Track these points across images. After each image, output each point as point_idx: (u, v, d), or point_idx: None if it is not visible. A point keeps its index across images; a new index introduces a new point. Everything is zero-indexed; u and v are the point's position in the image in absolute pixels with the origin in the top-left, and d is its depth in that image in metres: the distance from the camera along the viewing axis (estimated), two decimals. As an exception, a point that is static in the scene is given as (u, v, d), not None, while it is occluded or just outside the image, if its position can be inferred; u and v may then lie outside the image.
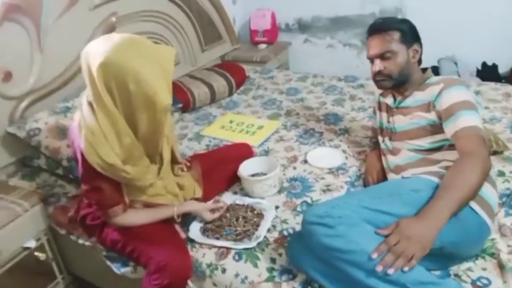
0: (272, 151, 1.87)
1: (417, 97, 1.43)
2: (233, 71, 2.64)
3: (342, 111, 2.21)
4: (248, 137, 2.00)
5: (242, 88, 2.68)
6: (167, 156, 1.41)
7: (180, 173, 1.57)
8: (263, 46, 3.36)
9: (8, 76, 1.75)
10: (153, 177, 1.36)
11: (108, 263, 1.46)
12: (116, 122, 1.20)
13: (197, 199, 1.54)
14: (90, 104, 1.21)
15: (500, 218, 1.31)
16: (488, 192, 1.21)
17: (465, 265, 1.17)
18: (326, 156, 1.76)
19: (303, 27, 3.49)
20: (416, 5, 3.01)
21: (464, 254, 1.18)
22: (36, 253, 1.61)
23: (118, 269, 1.43)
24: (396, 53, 1.41)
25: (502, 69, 2.86)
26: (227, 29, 3.16)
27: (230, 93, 2.55)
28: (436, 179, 1.21)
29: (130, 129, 1.22)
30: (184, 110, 2.31)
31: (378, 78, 1.45)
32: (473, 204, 1.15)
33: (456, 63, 2.85)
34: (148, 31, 2.42)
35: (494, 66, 2.83)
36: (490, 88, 2.30)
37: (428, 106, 1.38)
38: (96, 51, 1.13)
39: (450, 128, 1.29)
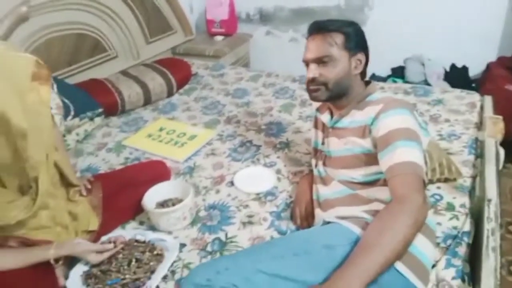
0: (198, 169, 1.61)
1: (355, 117, 1.19)
2: (176, 68, 2.36)
3: (288, 119, 1.96)
4: (175, 149, 1.75)
5: (186, 87, 2.41)
6: (44, 185, 1.15)
7: (77, 198, 1.32)
8: (220, 38, 3.07)
9: None
10: (23, 213, 1.10)
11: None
12: None
13: (91, 232, 1.29)
14: None
15: (439, 270, 1.08)
16: (422, 247, 0.98)
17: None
18: (257, 177, 1.52)
19: (264, 17, 3.20)
20: (385, -2, 2.76)
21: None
22: None
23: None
24: (336, 59, 1.17)
25: (472, 72, 2.63)
26: (178, 18, 2.86)
27: (170, 94, 2.28)
28: (358, 230, 0.98)
29: None
30: (111, 113, 2.03)
31: (312, 86, 1.21)
32: (399, 265, 0.92)
33: (423, 64, 2.61)
34: (72, 21, 2.11)
35: (464, 69, 2.61)
36: (454, 96, 2.07)
37: (364, 131, 1.14)
38: None
39: (385, 161, 1.05)
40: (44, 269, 1.14)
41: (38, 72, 1.03)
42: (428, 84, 2.51)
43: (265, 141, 1.78)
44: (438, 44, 2.64)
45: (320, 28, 1.20)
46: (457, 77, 2.58)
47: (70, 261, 1.20)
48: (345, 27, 1.20)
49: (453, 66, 2.63)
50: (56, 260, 1.15)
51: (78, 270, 1.17)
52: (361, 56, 1.22)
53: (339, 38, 1.17)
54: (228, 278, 0.84)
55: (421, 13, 2.62)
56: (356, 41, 1.21)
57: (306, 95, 2.16)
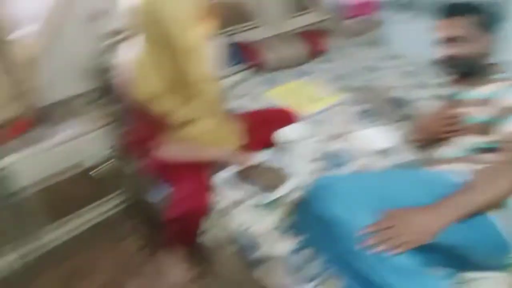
0: (324, 123, 1.85)
1: (481, 91, 1.31)
2: (314, 40, 2.62)
3: (415, 96, 2.06)
4: (307, 104, 2.02)
5: (321, 57, 2.65)
6: (204, 99, 1.49)
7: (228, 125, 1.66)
8: (356, 19, 3.22)
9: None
10: (192, 114, 1.48)
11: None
12: (153, 55, 1.33)
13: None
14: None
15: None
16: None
17: (475, 274, 1.08)
18: (376, 137, 1.70)
19: (403, 4, 3.24)
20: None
21: (479, 262, 1.08)
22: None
23: (153, 196, 1.60)
24: (471, 39, 1.30)
25: None
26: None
27: (307, 61, 2.55)
28: (466, 178, 1.12)
29: (167, 63, 1.34)
30: (257, 70, 2.38)
31: (449, 63, 1.35)
32: (492, 214, 1.04)
33: None
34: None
35: None
36: None
37: (487, 102, 1.26)
38: None
39: (502, 129, 1.17)
40: (203, 166, 1.52)
41: (202, 13, 1.33)
42: None
43: (390, 111, 1.93)
44: None
45: (454, 10, 1.32)
46: None
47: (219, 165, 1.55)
48: (478, 9, 1.31)
49: None
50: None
51: (226, 171, 1.53)
52: (491, 35, 1.32)
53: (473, 19, 1.29)
54: (350, 186, 1.05)
55: None
56: (489, 22, 1.31)
57: (436, 77, 2.23)
